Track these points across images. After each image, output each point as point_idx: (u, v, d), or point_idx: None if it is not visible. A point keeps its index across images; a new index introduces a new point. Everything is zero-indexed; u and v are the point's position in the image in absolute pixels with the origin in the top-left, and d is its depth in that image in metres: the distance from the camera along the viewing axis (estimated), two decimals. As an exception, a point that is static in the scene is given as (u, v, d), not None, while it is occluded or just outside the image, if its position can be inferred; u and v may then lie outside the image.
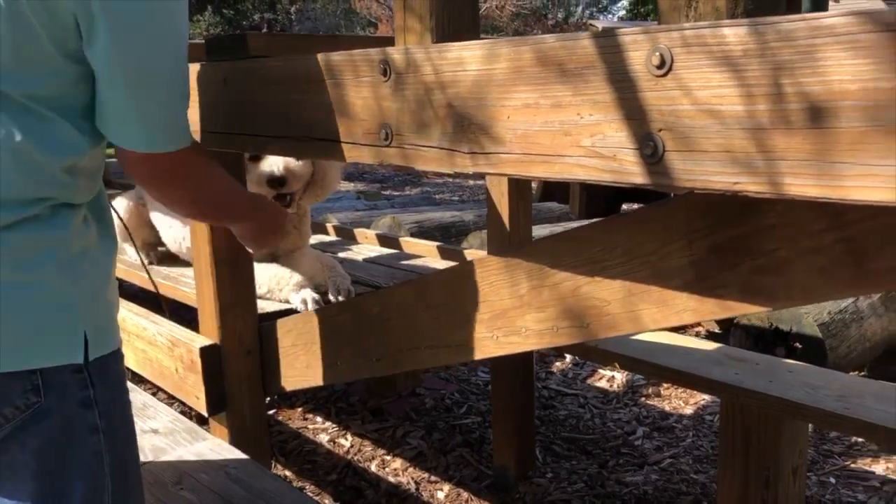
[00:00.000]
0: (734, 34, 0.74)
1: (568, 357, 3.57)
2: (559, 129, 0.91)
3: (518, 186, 2.18)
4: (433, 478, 2.53)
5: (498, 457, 2.52)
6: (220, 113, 1.48)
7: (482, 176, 1.64)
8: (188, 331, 1.84)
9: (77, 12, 0.93)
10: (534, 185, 8.90)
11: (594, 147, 0.88)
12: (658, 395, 3.17)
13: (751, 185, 0.76)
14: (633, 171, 0.85)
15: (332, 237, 3.28)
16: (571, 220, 5.37)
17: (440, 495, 2.44)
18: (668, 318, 1.03)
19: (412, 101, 1.08)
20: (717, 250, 0.96)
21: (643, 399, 3.14)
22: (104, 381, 1.04)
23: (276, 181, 2.10)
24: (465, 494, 2.44)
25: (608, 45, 0.85)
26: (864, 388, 2.01)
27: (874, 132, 0.67)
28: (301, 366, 1.71)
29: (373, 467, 2.62)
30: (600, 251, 1.09)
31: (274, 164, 2.11)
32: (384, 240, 3.03)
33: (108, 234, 1.12)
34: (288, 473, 2.58)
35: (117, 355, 1.09)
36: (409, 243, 2.90)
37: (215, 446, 1.73)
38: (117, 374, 1.09)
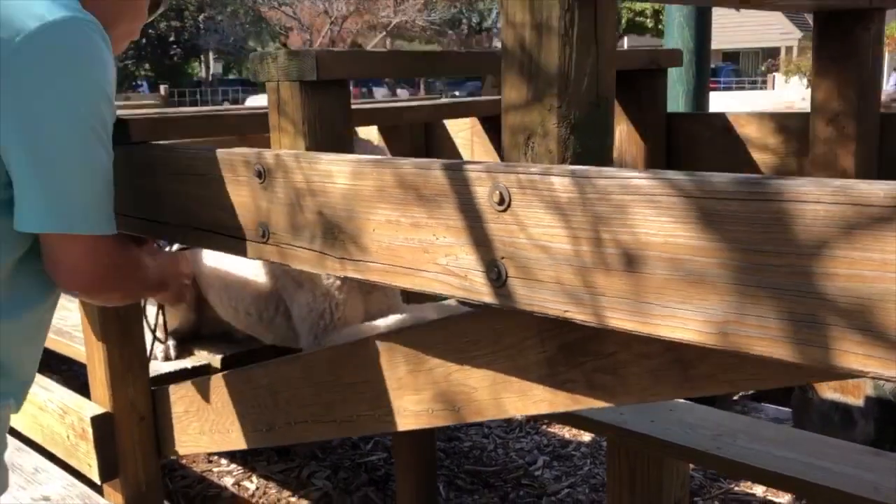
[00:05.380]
0: (560, 183, 0.83)
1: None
2: (419, 246, 0.98)
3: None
4: (338, 519, 2.57)
5: (401, 497, 2.58)
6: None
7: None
8: (79, 397, 1.83)
9: None
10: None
11: (449, 266, 0.95)
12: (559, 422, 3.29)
13: (578, 315, 0.84)
14: (483, 292, 0.93)
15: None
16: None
17: (344, 538, 2.48)
18: (527, 406, 1.12)
19: (286, 204, 1.13)
20: (565, 349, 1.05)
21: (544, 427, 3.26)
22: None
23: None
24: (368, 536, 2.49)
25: (456, 178, 0.92)
26: (737, 425, 2.16)
27: (675, 280, 0.77)
28: (194, 432, 1.73)
29: (278, 511, 2.64)
30: (467, 342, 1.17)
31: None
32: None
33: None
34: (191, 522, 2.57)
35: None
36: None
37: (109, 513, 1.74)
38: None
